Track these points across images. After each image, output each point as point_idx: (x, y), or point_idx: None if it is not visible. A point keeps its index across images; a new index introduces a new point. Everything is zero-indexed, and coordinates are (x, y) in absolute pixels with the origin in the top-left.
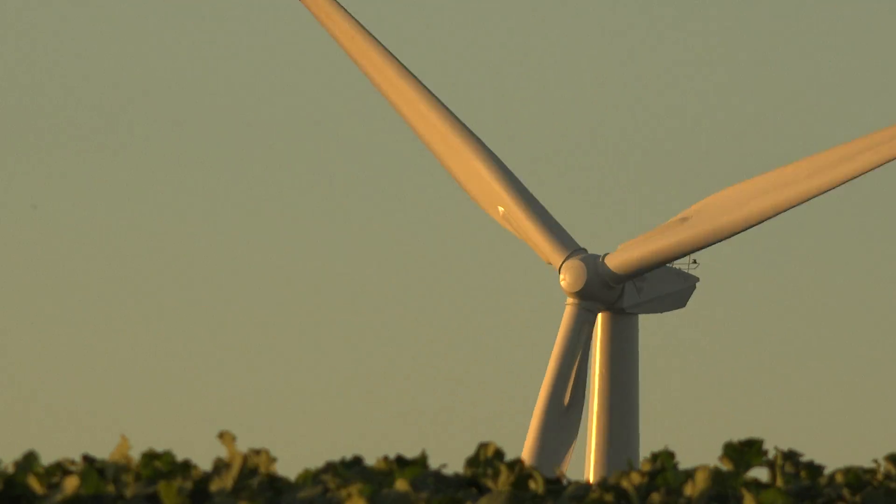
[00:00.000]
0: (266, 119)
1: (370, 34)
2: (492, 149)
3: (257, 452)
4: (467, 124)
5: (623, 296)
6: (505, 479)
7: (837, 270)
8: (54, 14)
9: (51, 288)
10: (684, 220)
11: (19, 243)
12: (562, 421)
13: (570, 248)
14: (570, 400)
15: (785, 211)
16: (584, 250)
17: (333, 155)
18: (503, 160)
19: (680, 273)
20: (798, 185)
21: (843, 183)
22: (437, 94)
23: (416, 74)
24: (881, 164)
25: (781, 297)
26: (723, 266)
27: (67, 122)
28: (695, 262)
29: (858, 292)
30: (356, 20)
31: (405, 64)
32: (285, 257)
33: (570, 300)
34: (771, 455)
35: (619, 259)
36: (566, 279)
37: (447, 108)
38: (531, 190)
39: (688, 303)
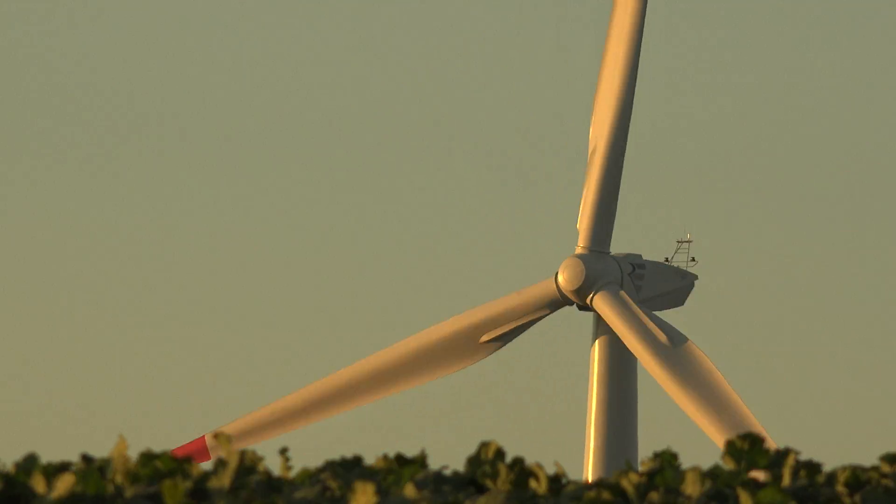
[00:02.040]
0: (265, 119)
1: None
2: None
3: (257, 451)
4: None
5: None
6: (504, 478)
7: (837, 269)
8: (54, 13)
9: (50, 288)
10: (592, 152)
11: (19, 244)
12: (679, 357)
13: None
14: (668, 337)
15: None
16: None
17: (333, 155)
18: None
19: (678, 271)
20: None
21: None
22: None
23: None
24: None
25: (780, 295)
26: (721, 264)
27: (67, 121)
28: (693, 259)
29: (858, 292)
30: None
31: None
32: (284, 257)
33: (591, 295)
34: (771, 454)
35: (582, 230)
36: (566, 277)
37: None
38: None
39: (686, 301)
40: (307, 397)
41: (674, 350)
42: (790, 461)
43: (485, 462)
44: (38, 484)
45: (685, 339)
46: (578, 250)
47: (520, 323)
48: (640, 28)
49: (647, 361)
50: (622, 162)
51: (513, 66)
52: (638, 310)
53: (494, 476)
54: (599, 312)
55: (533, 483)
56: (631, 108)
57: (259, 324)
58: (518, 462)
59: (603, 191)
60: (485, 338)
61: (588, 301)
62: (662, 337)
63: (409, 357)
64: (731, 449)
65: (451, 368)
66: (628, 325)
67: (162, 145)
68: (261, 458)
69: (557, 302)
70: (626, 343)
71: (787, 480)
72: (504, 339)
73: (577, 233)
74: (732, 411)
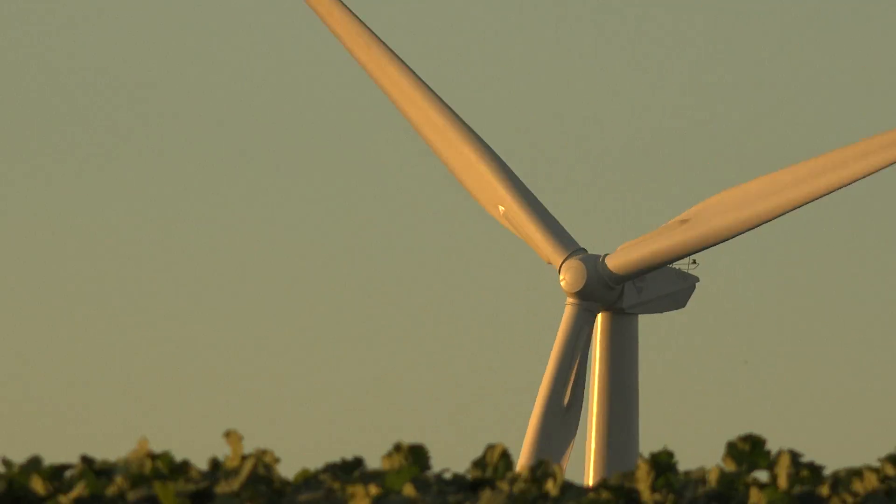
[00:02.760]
0: (265, 118)
1: (370, 31)
2: (493, 147)
3: (264, 452)
4: (468, 123)
5: (623, 296)
6: (519, 477)
7: (837, 270)
8: (53, 13)
9: (50, 289)
10: (684, 221)
11: (20, 245)
12: (561, 420)
13: (571, 248)
14: (569, 400)
15: (783, 214)
16: (584, 250)
17: (333, 155)
18: (504, 159)
19: (679, 273)
20: (795, 189)
21: (839, 188)
22: (437, 92)
23: (416, 72)
24: (875, 171)
25: (781, 297)
26: (722, 266)
27: (66, 121)
28: (694, 262)
29: (858, 292)
30: (356, 17)
31: (406, 62)
32: (285, 257)
33: (570, 300)
34: (772, 456)
35: (619, 260)
36: (566, 279)
37: (448, 107)
38: (532, 189)
39: (687, 303)
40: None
41: (560, 415)
42: (784, 462)
43: (490, 465)
44: (37, 488)
45: (577, 416)
46: (601, 262)
47: (520, 235)
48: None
49: (541, 393)
50: (702, 248)
51: (518, 65)
52: (577, 357)
53: (504, 477)
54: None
55: (550, 484)
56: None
57: (262, 324)
58: (542, 464)
59: (668, 258)
60: (502, 209)
61: (566, 302)
62: (567, 397)
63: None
64: (732, 451)
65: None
66: (556, 356)
67: (165, 149)
68: (277, 460)
69: (549, 262)
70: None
71: (783, 483)
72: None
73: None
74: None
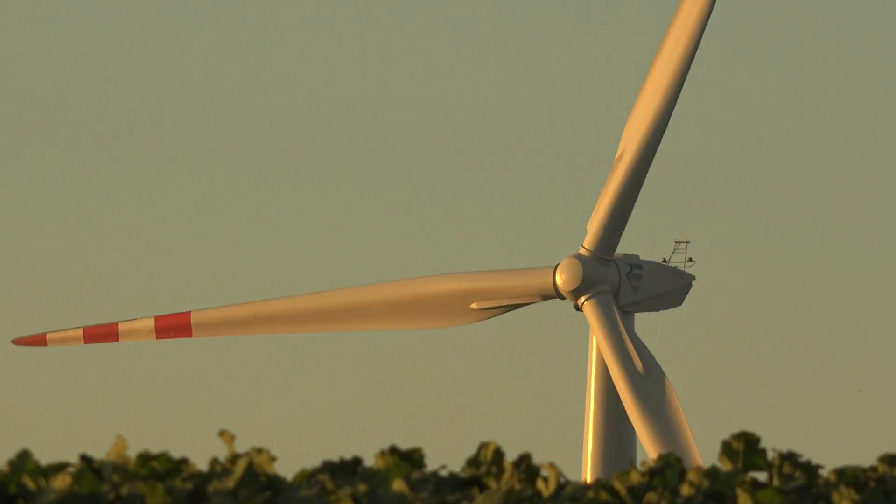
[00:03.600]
0: (263, 118)
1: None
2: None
3: (259, 451)
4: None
5: (619, 294)
6: (509, 476)
7: (834, 269)
8: (54, 12)
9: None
10: (619, 158)
11: (16, 242)
12: (651, 383)
13: (545, 269)
14: (644, 365)
15: None
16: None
17: (334, 154)
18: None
19: (676, 271)
20: None
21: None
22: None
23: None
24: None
25: (778, 295)
26: (719, 264)
27: (64, 121)
28: (691, 260)
29: (856, 292)
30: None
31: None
32: (283, 256)
33: (582, 299)
34: (769, 455)
35: (591, 231)
36: (564, 279)
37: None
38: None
39: (684, 301)
40: (287, 307)
41: (645, 381)
42: (777, 462)
43: (484, 463)
44: (31, 485)
45: (661, 373)
46: (582, 251)
47: (510, 303)
48: (695, 44)
49: (618, 383)
50: (646, 172)
51: (525, 64)
52: (623, 330)
53: (499, 475)
54: (587, 319)
55: (541, 483)
56: (667, 123)
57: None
58: (525, 459)
59: (620, 198)
60: (475, 305)
61: (580, 304)
62: (639, 364)
63: (400, 300)
64: (727, 450)
65: (437, 324)
66: (609, 342)
67: (164, 148)
68: (274, 459)
69: (550, 295)
70: (603, 355)
71: (776, 481)
72: (494, 311)
73: (585, 231)
74: (682, 449)
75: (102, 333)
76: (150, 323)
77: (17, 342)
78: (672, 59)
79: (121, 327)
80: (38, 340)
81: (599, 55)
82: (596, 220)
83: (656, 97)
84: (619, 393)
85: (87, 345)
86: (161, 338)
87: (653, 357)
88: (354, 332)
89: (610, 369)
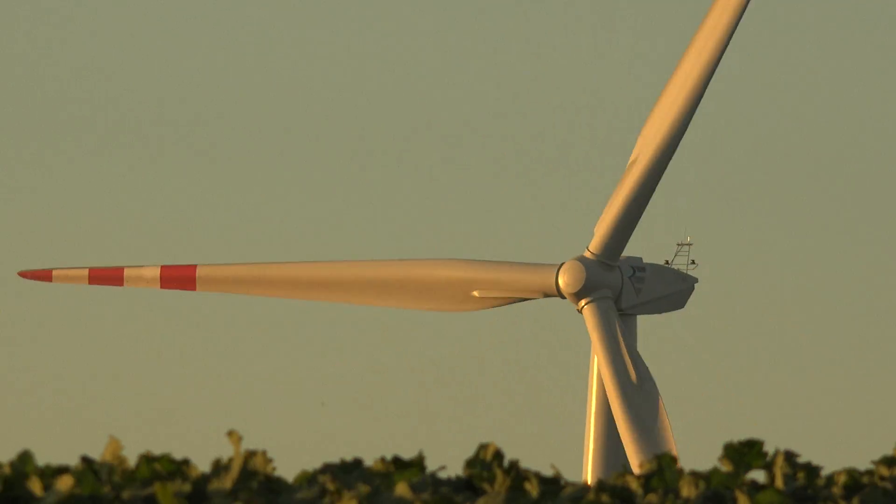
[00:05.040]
0: (264, 117)
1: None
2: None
3: (253, 454)
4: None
5: (622, 297)
6: (501, 482)
7: (836, 272)
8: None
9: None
10: (632, 164)
11: (14, 240)
12: (641, 392)
13: (550, 265)
14: (636, 375)
15: None
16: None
17: (335, 154)
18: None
19: (679, 274)
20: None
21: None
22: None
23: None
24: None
25: (780, 297)
26: (721, 267)
27: (66, 119)
28: (693, 262)
29: (857, 293)
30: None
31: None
32: (283, 255)
33: (583, 302)
34: (769, 456)
35: (598, 235)
36: (566, 280)
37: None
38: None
39: (686, 304)
40: (290, 272)
41: (637, 391)
42: (779, 462)
43: (483, 464)
44: (34, 488)
45: (653, 385)
46: (587, 254)
47: (511, 296)
48: (717, 58)
49: (609, 391)
50: (657, 182)
51: (524, 64)
52: (620, 338)
53: (491, 479)
54: (586, 323)
55: (528, 486)
56: (684, 132)
57: (260, 323)
58: (514, 466)
59: (629, 205)
60: (477, 293)
61: (579, 308)
62: (632, 374)
63: (404, 277)
64: (728, 451)
65: (437, 307)
66: (605, 349)
67: (162, 143)
68: (271, 460)
69: (552, 293)
70: (598, 361)
71: (779, 483)
72: (495, 301)
73: (592, 233)
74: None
75: (108, 276)
76: (156, 272)
77: (24, 275)
78: (695, 70)
79: (126, 272)
80: (44, 276)
81: (622, 54)
82: (603, 225)
83: (676, 106)
84: (609, 401)
85: (91, 285)
86: (165, 287)
87: (647, 369)
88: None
89: (603, 376)
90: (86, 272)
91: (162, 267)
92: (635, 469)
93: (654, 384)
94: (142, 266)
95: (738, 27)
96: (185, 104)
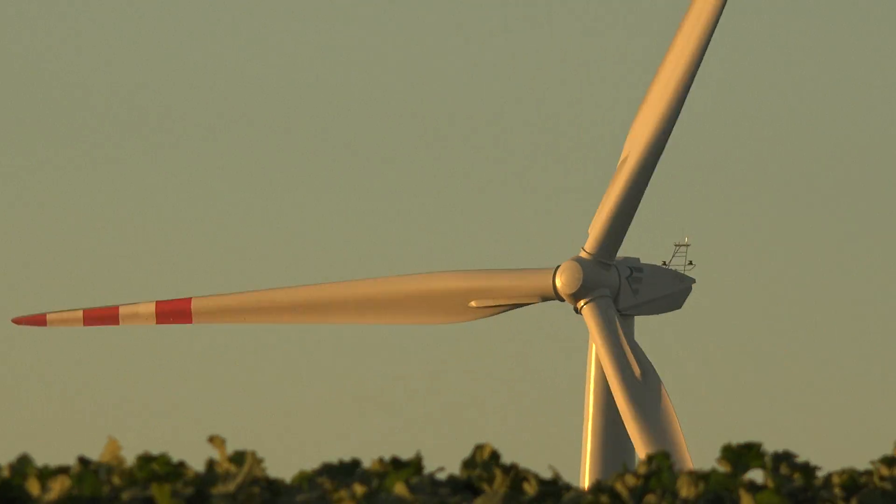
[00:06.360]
0: (270, 111)
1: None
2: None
3: (242, 454)
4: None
5: (619, 297)
6: (500, 482)
7: (834, 273)
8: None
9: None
10: (622, 162)
11: (13, 241)
12: (645, 388)
13: (545, 271)
14: (640, 370)
15: None
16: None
17: (335, 154)
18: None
19: (676, 275)
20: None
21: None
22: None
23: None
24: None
25: (777, 298)
26: (719, 268)
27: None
28: (691, 263)
29: (855, 295)
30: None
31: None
32: (280, 257)
33: (582, 302)
34: (766, 457)
35: (593, 235)
36: (564, 280)
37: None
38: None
39: (684, 304)
40: (286, 297)
41: (641, 386)
42: (778, 463)
43: (479, 465)
44: (31, 489)
45: (657, 379)
46: (583, 254)
47: (509, 303)
48: (702, 51)
49: (614, 388)
50: (649, 178)
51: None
52: (621, 335)
53: (491, 480)
54: (586, 323)
55: (526, 486)
56: (671, 129)
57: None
58: (513, 466)
59: (622, 203)
60: (474, 303)
61: (578, 307)
62: (636, 369)
63: (400, 293)
64: (726, 453)
65: (436, 320)
66: (607, 347)
67: (158, 144)
68: (261, 460)
69: (549, 296)
70: (601, 360)
71: (770, 483)
72: (493, 310)
73: (586, 234)
74: (675, 454)
75: (103, 316)
76: (151, 307)
77: (18, 321)
78: (678, 66)
79: (122, 310)
80: (38, 320)
81: (608, 56)
82: (598, 224)
83: (662, 103)
84: (615, 398)
85: (86, 327)
86: (161, 322)
87: (650, 362)
88: (354, 329)
89: (606, 374)
90: (80, 314)
91: (157, 302)
92: (643, 462)
93: (658, 377)
94: (136, 303)
95: (720, 21)
96: (167, 135)
